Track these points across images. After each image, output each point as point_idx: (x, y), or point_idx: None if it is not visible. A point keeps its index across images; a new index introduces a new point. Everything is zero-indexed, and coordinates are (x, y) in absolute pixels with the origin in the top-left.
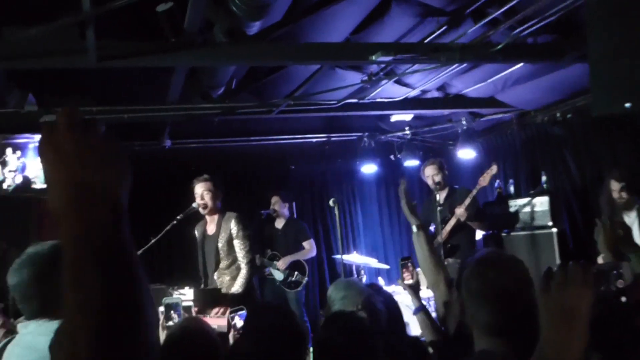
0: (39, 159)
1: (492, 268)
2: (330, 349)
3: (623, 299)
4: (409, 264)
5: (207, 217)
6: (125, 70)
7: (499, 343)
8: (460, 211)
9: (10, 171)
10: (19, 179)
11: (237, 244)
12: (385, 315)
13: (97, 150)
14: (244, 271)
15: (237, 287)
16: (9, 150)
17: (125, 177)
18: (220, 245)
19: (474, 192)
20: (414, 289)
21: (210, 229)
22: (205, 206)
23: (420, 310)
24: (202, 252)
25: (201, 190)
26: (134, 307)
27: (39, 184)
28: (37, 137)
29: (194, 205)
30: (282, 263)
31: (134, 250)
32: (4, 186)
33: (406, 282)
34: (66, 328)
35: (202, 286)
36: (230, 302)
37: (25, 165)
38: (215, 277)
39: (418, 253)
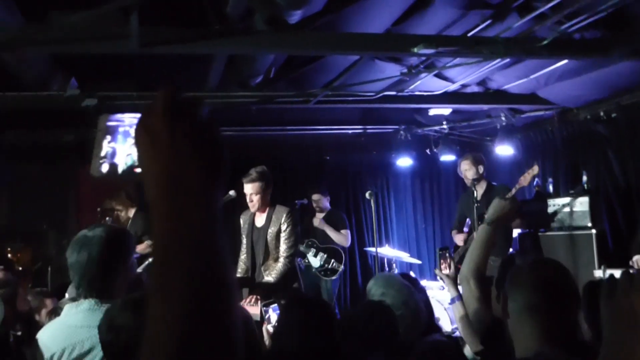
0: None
1: (550, 285)
2: (356, 329)
3: None
4: (447, 254)
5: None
6: (166, 56)
7: (546, 352)
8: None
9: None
10: (105, 168)
11: (283, 237)
12: (425, 312)
13: (194, 140)
14: (279, 265)
15: (269, 277)
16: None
17: (222, 172)
18: (269, 238)
19: (514, 191)
20: (452, 278)
21: (259, 221)
22: (253, 206)
23: (458, 300)
24: (250, 243)
25: (249, 192)
26: (220, 319)
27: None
28: (128, 120)
29: (231, 193)
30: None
31: (227, 257)
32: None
33: (444, 272)
34: (147, 335)
35: (241, 274)
36: (263, 291)
37: (115, 150)
38: (262, 269)
39: (473, 242)
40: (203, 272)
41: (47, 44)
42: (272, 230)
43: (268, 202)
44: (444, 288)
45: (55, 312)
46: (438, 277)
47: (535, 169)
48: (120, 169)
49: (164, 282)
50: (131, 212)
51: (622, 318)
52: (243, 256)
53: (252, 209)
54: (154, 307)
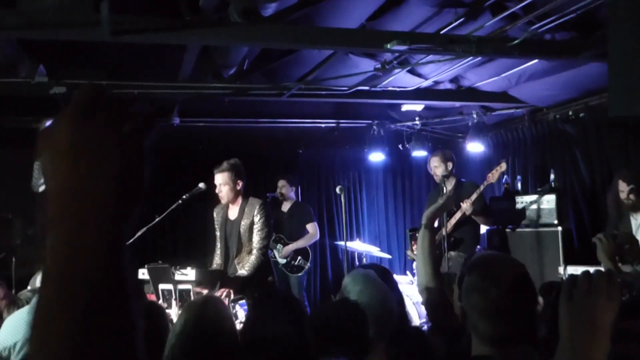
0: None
1: (494, 285)
2: (326, 325)
3: None
4: (417, 235)
5: (230, 203)
6: (138, 46)
7: (495, 351)
8: (466, 205)
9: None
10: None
11: (256, 230)
12: (397, 311)
13: (106, 150)
14: (253, 257)
15: (243, 270)
16: None
17: (138, 191)
18: (242, 231)
19: (482, 187)
20: None
21: (232, 213)
22: (222, 197)
23: None
24: (224, 236)
25: (218, 182)
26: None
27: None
28: None
29: (201, 185)
30: (285, 251)
31: (132, 296)
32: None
33: (415, 252)
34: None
35: (217, 268)
36: (235, 285)
37: None
38: (235, 262)
39: (418, 250)
40: (94, 317)
41: (15, 29)
42: (244, 223)
43: (240, 194)
44: (413, 282)
45: (15, 304)
46: (409, 257)
47: (503, 166)
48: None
49: (51, 315)
50: None
51: (580, 320)
52: (218, 250)
53: (222, 201)
54: (38, 335)
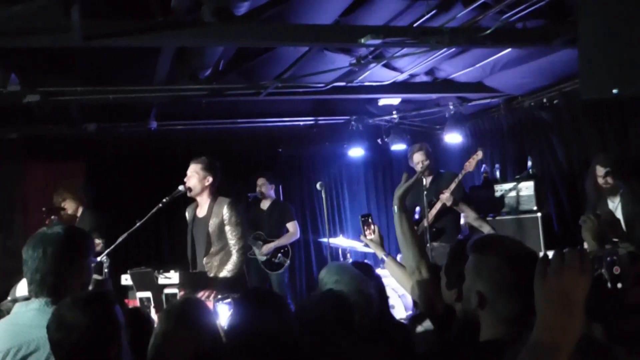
0: None
1: (523, 261)
2: (317, 324)
3: (619, 285)
4: (370, 220)
5: (199, 200)
6: (111, 50)
7: (509, 332)
8: (445, 196)
9: None
10: None
11: (229, 230)
12: (377, 299)
13: None
14: (234, 257)
15: (225, 272)
16: None
17: None
18: (210, 229)
19: (460, 176)
20: (377, 242)
21: (201, 212)
22: (189, 189)
23: (387, 257)
24: (192, 235)
25: (189, 172)
26: None
27: None
28: None
29: (180, 188)
30: (265, 249)
31: None
32: None
33: (368, 237)
34: None
35: (190, 269)
36: (218, 286)
37: None
38: (204, 262)
39: (399, 237)
40: None
41: None
42: (213, 222)
43: (208, 191)
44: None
45: None
46: (363, 243)
47: (480, 154)
48: None
49: None
50: (79, 211)
51: (554, 298)
52: (189, 249)
53: (189, 193)
54: None
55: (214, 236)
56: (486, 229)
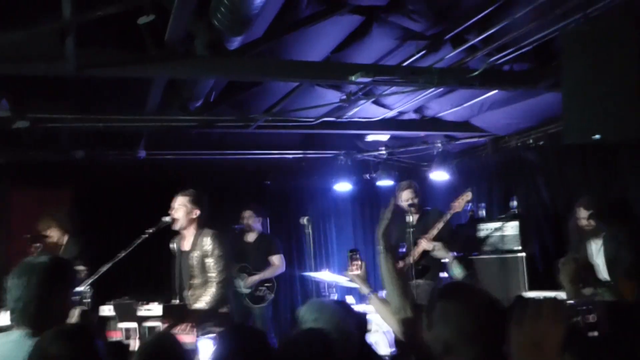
0: None
1: (487, 310)
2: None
3: (595, 333)
4: (357, 256)
5: (184, 233)
6: (103, 79)
7: None
8: (424, 242)
9: None
10: None
11: (211, 262)
12: (357, 338)
13: None
14: (212, 289)
15: (202, 303)
16: None
17: None
18: (194, 262)
19: (448, 216)
20: (362, 278)
21: (185, 245)
22: (175, 221)
23: (372, 294)
24: (179, 267)
25: (175, 203)
26: None
27: None
28: None
29: (166, 219)
30: (249, 282)
31: None
32: None
33: (354, 272)
34: None
35: (175, 301)
36: (197, 318)
37: None
38: (188, 294)
39: (384, 276)
40: None
41: None
42: (197, 255)
43: (195, 224)
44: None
45: None
46: (348, 278)
47: (469, 195)
48: None
49: None
50: (63, 239)
51: (529, 346)
52: (176, 281)
53: (175, 225)
54: None
55: (197, 269)
56: (457, 271)
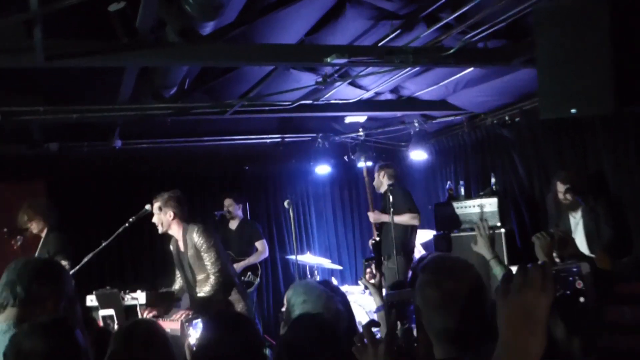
0: None
1: (449, 278)
2: (299, 349)
3: (582, 299)
4: (373, 265)
5: (171, 233)
6: (75, 69)
7: (454, 349)
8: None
9: None
10: None
11: (205, 257)
12: (346, 315)
13: None
14: (211, 279)
15: (202, 293)
16: None
17: None
18: (191, 261)
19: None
20: (377, 287)
21: (181, 245)
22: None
23: (382, 308)
24: (181, 268)
25: (154, 209)
26: None
27: None
28: None
29: (147, 207)
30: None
31: None
32: None
33: (370, 281)
34: None
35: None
36: (196, 306)
37: None
38: (197, 291)
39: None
40: None
41: None
42: (191, 254)
43: (177, 222)
44: (365, 292)
45: None
46: (363, 287)
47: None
48: None
49: None
50: (44, 231)
51: (516, 315)
52: (179, 279)
53: (160, 229)
54: None
55: (195, 266)
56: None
